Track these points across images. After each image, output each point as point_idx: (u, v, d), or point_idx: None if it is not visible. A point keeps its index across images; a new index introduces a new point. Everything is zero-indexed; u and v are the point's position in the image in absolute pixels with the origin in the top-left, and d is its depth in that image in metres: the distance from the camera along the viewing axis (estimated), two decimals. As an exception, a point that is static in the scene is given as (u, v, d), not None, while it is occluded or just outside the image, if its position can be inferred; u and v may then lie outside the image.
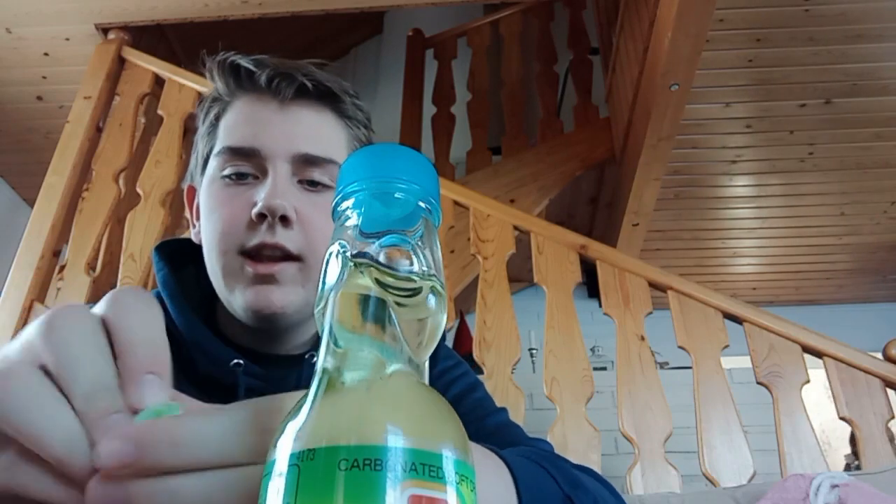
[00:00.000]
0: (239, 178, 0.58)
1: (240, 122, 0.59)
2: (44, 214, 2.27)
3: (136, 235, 2.13)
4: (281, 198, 0.54)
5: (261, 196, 0.55)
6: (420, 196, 0.23)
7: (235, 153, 0.58)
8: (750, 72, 2.72)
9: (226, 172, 0.58)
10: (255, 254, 0.55)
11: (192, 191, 0.65)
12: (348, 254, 0.22)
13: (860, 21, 2.51)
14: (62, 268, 2.21)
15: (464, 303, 3.09)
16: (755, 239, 3.70)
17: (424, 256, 0.23)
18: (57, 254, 2.26)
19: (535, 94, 3.75)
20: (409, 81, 3.88)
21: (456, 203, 2.21)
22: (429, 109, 3.74)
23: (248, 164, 0.58)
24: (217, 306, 0.63)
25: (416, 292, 0.22)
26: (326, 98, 0.61)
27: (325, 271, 0.23)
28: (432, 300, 0.22)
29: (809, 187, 3.28)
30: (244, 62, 0.59)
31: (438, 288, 0.23)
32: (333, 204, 0.24)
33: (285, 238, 0.55)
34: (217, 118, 0.61)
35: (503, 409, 0.67)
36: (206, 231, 0.59)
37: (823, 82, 2.75)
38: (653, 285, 2.02)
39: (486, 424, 0.63)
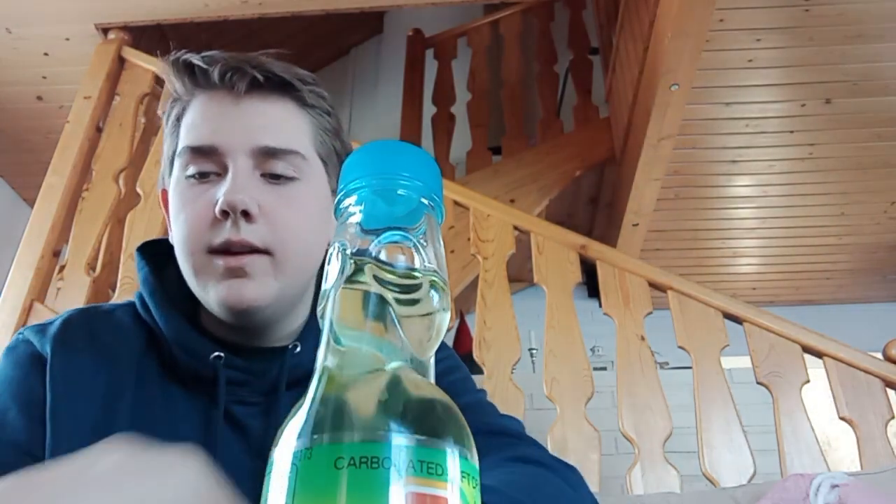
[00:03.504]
0: (201, 177, 0.57)
1: (197, 120, 0.58)
2: (44, 214, 2.27)
3: (136, 235, 2.13)
4: (242, 193, 0.54)
5: (221, 192, 0.55)
6: (423, 193, 0.23)
7: (195, 152, 0.57)
8: (750, 72, 2.72)
9: (188, 172, 0.58)
10: (222, 251, 0.55)
11: (165, 194, 0.65)
12: (348, 251, 0.22)
13: (860, 21, 2.51)
14: (62, 268, 2.21)
15: (464, 303, 3.09)
16: (755, 239, 3.70)
17: (426, 253, 0.22)
18: (57, 254, 2.26)
19: (535, 94, 3.75)
20: (409, 81, 3.88)
21: (456, 203, 2.21)
22: (429, 109, 3.74)
23: (209, 162, 0.57)
24: (200, 303, 0.63)
25: (416, 289, 0.22)
26: (282, 88, 0.60)
27: (327, 270, 0.23)
28: (434, 296, 0.22)
29: (809, 187, 3.28)
30: (196, 60, 0.59)
31: (440, 284, 0.22)
32: (336, 201, 0.24)
33: (250, 233, 0.54)
34: (178, 119, 0.61)
35: (480, 391, 0.67)
36: (174, 232, 0.59)
37: (823, 82, 2.75)
38: (653, 285, 2.02)
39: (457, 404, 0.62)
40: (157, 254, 0.65)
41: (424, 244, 0.23)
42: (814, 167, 3.15)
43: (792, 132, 2.98)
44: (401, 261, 0.22)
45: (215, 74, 0.57)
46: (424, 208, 0.23)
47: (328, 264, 0.23)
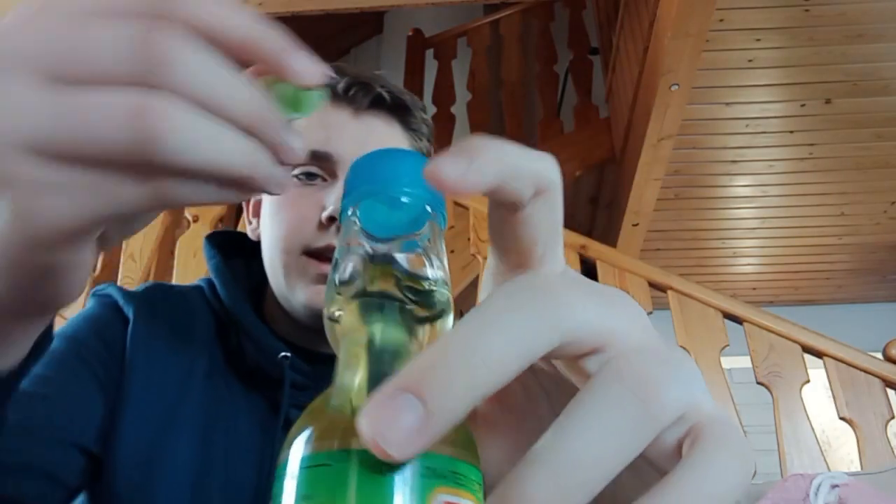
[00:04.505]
0: (308, 178, 0.59)
1: (313, 125, 0.59)
2: (44, 214, 2.27)
3: (136, 235, 2.13)
4: None
5: (331, 200, 0.56)
6: (426, 200, 0.23)
7: (308, 155, 0.59)
8: (750, 72, 2.72)
9: (295, 172, 0.59)
10: (319, 255, 0.56)
11: None
12: (365, 257, 0.22)
13: (860, 21, 2.51)
14: (62, 268, 2.20)
15: (464, 303, 3.09)
16: (755, 239, 3.70)
17: (434, 260, 0.23)
18: (57, 254, 2.26)
19: (535, 94, 3.75)
20: (409, 81, 3.88)
21: (456, 203, 2.21)
22: (429, 109, 3.73)
23: (318, 166, 0.59)
24: (265, 300, 0.64)
25: (422, 294, 0.22)
26: (398, 110, 0.62)
27: (335, 275, 0.23)
28: (439, 302, 0.22)
29: (809, 187, 3.28)
30: None
31: (445, 290, 0.23)
32: (340, 209, 0.24)
33: None
34: None
35: None
36: (270, 229, 0.60)
37: (823, 82, 2.75)
38: (653, 285, 2.02)
39: None
40: (223, 244, 0.66)
41: (430, 251, 0.23)
42: (813, 167, 3.15)
43: (792, 132, 2.98)
44: (420, 269, 0.22)
45: (340, 86, 0.60)
46: (428, 215, 0.23)
47: (335, 269, 0.23)
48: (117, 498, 0.51)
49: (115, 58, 0.21)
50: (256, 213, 0.66)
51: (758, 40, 2.60)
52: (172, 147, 0.21)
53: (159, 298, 0.60)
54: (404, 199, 0.23)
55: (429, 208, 0.23)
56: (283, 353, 0.57)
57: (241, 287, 0.62)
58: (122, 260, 2.09)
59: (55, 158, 0.21)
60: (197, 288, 0.64)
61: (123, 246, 2.12)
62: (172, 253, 2.16)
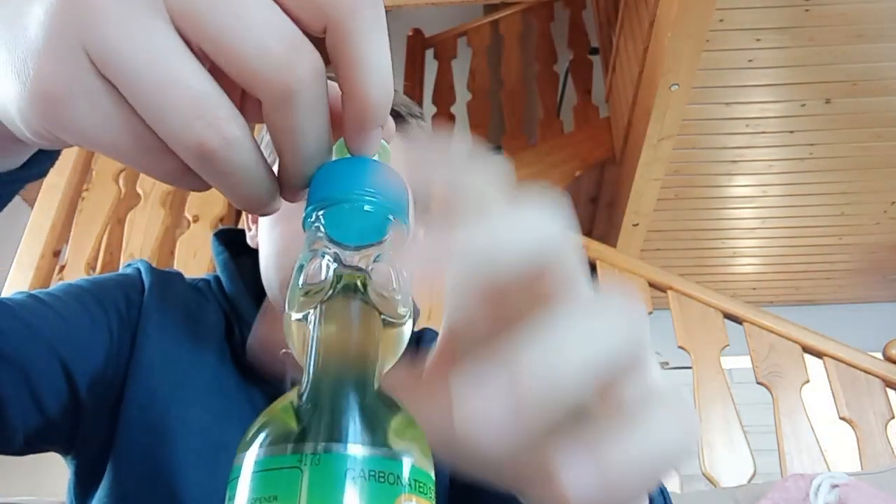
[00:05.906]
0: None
1: None
2: (44, 214, 2.27)
3: (136, 235, 2.13)
4: None
5: None
6: (389, 208, 0.23)
7: None
8: (750, 72, 2.72)
9: None
10: None
11: None
12: (332, 265, 0.23)
13: (860, 21, 2.51)
14: (62, 268, 2.21)
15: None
16: (755, 239, 3.70)
17: (395, 269, 0.23)
18: (57, 254, 2.26)
19: (535, 94, 3.75)
20: (409, 81, 3.88)
21: (456, 203, 2.21)
22: (429, 109, 3.73)
23: None
24: (266, 300, 0.65)
25: (391, 301, 0.23)
26: (395, 120, 0.62)
27: (299, 277, 0.23)
28: (405, 309, 0.23)
29: (809, 187, 3.28)
30: None
31: (409, 298, 0.24)
32: (304, 216, 0.24)
33: None
34: None
35: None
36: (266, 242, 0.60)
37: (823, 82, 2.75)
38: (653, 285, 2.02)
39: None
40: (230, 242, 0.67)
41: (393, 258, 0.23)
42: (814, 167, 3.15)
43: (792, 132, 2.98)
44: (370, 274, 0.23)
45: None
46: (390, 224, 0.24)
47: (299, 274, 0.23)
48: (134, 464, 0.52)
49: (253, 52, 0.20)
50: (255, 220, 0.66)
51: (758, 40, 2.60)
52: (221, 169, 0.21)
53: (176, 282, 0.62)
54: (367, 208, 0.23)
55: (391, 216, 0.23)
56: (284, 350, 0.58)
57: (247, 284, 0.63)
58: (122, 260, 2.09)
59: (116, 91, 0.21)
60: (205, 282, 0.65)
61: (123, 245, 2.12)
62: (172, 253, 2.16)
